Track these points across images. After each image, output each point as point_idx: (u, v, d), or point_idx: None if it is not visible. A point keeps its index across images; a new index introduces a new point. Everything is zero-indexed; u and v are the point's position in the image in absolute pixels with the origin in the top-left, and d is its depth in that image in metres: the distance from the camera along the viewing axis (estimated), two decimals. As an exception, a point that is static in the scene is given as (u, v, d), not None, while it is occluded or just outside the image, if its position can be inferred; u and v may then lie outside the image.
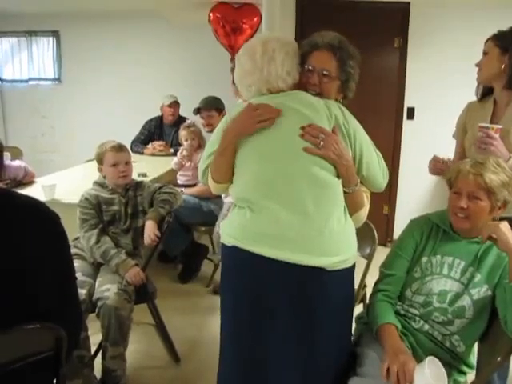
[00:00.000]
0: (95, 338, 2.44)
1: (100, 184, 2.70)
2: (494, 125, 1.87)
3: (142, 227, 2.63)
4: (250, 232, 1.58)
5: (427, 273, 1.84)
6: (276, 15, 3.74)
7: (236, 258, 1.61)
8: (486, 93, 2.15)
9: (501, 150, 1.86)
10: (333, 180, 1.62)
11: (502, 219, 1.69)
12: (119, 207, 2.64)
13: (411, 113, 4.61)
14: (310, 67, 1.71)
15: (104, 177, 2.68)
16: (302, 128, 1.58)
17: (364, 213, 1.77)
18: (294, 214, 1.55)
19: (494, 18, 3.73)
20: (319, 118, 1.61)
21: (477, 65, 2.02)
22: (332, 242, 1.58)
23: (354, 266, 1.69)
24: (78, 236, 2.62)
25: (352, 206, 1.70)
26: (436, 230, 1.86)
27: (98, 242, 2.52)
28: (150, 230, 2.53)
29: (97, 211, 2.60)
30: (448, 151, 2.39)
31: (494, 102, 2.08)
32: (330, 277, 1.57)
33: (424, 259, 1.85)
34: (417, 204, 4.49)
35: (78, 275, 2.41)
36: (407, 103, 4.58)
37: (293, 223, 1.55)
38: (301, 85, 1.71)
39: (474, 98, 2.30)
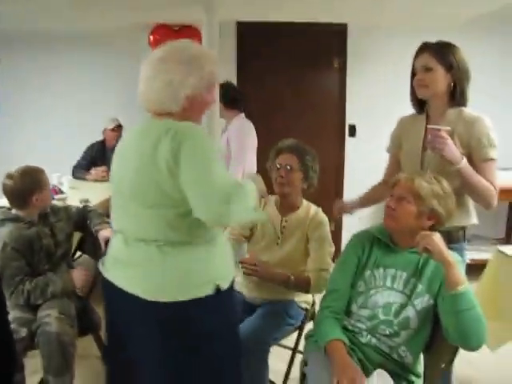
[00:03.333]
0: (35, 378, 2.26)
1: (14, 219, 2.41)
2: (442, 126, 1.90)
3: (82, 244, 2.56)
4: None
5: (371, 286, 1.86)
6: (216, 38, 3.75)
7: None
8: (415, 106, 2.17)
9: (453, 150, 1.88)
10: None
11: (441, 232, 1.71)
12: (47, 239, 2.46)
13: (353, 130, 4.69)
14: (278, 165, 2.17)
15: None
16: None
17: None
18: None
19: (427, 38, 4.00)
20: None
21: (419, 81, 2.00)
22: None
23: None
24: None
25: None
26: (377, 243, 1.89)
27: (32, 288, 2.33)
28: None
29: (27, 257, 2.35)
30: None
31: (426, 116, 2.10)
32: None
33: (367, 273, 1.87)
34: (362, 220, 4.46)
35: (16, 312, 2.29)
36: (348, 121, 4.66)
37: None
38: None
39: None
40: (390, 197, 1.84)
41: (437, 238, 1.64)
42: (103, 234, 2.47)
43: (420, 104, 2.08)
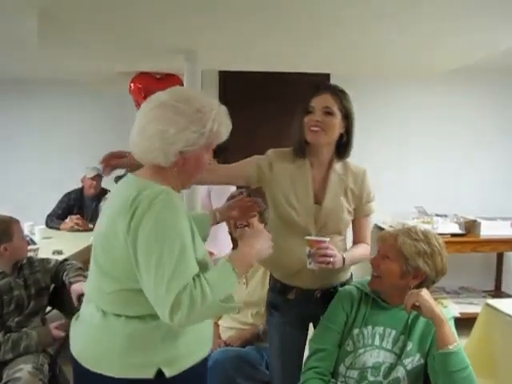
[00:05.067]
0: None
1: None
2: (322, 238, 1.78)
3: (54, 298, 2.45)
4: None
5: (359, 345, 1.78)
6: (197, 86, 3.75)
7: None
8: (298, 149, 1.90)
9: (341, 260, 1.81)
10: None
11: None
12: (19, 291, 2.40)
13: None
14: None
15: None
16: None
17: None
18: None
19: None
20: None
21: (318, 123, 1.78)
22: None
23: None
24: None
25: None
26: (365, 299, 1.82)
27: (4, 340, 2.26)
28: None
29: None
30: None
31: (310, 164, 1.89)
32: None
33: (355, 331, 1.79)
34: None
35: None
36: None
37: None
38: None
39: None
40: (377, 253, 1.80)
41: (425, 294, 1.60)
42: (75, 287, 2.40)
43: (303, 148, 1.86)
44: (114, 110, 5.10)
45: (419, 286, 1.71)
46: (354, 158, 2.01)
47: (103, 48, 3.64)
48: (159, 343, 1.35)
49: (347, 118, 1.82)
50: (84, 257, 3.28)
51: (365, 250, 1.93)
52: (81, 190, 4.58)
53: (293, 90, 4.22)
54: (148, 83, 4.42)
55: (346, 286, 1.91)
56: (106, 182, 4.45)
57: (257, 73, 4.44)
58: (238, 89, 4.48)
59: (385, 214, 4.17)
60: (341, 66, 4.27)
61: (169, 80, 4.48)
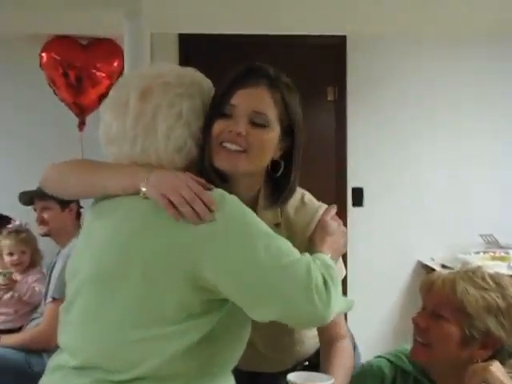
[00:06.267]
0: None
1: None
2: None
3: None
4: None
5: None
6: (146, 57, 3.07)
7: None
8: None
9: None
10: None
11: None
12: None
13: (358, 196, 3.87)
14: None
15: None
16: None
17: None
18: None
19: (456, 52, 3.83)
20: None
21: (237, 138, 1.33)
22: None
23: None
24: None
25: None
26: (403, 380, 1.58)
27: None
28: None
29: None
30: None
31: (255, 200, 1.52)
32: None
33: None
34: (371, 311, 3.72)
35: None
36: (352, 183, 3.88)
37: None
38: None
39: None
40: (421, 309, 1.55)
41: (497, 370, 1.38)
42: None
43: (213, 179, 1.39)
44: (14, 90, 4.08)
45: (489, 360, 1.47)
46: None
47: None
48: None
49: (291, 133, 1.36)
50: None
51: (349, 360, 1.52)
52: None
53: (291, 64, 3.53)
54: (69, 52, 3.68)
55: (373, 360, 1.65)
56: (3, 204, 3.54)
57: (236, 36, 3.77)
58: (205, 60, 3.71)
59: (434, 245, 3.70)
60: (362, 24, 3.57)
61: (101, 47, 3.76)
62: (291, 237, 1.36)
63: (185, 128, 1.24)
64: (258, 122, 1.28)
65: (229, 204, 1.12)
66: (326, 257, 1.22)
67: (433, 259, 3.67)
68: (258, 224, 1.14)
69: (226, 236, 1.08)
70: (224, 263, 1.08)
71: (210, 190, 1.15)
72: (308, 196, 1.49)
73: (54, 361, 1.27)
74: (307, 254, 1.15)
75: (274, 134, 1.31)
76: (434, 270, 3.41)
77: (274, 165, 1.36)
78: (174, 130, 1.24)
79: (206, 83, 1.31)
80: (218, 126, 1.28)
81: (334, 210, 1.44)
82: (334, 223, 1.41)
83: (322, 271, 1.12)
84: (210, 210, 1.07)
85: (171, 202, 1.08)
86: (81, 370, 1.18)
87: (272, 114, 1.30)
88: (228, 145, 1.28)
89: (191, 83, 1.26)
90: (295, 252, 1.13)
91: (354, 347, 1.70)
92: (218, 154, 1.29)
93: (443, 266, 3.37)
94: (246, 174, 1.34)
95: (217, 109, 1.29)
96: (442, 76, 3.88)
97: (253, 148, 1.28)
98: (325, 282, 1.11)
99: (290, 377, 1.30)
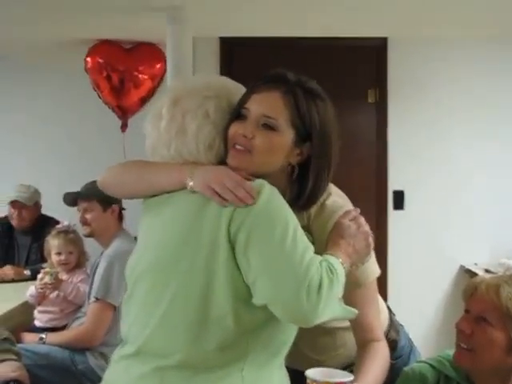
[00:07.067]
0: None
1: None
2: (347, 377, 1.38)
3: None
4: None
5: None
6: (187, 60, 3.11)
7: None
8: None
9: None
10: None
11: None
12: None
13: (399, 199, 3.87)
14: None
15: None
16: None
17: None
18: None
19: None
20: None
21: (244, 139, 1.36)
22: None
23: None
24: None
25: None
26: None
27: None
28: None
29: None
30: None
31: None
32: None
33: None
34: (412, 316, 3.61)
35: None
36: (392, 185, 3.87)
37: None
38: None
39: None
40: (464, 313, 1.52)
41: None
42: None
43: None
44: (61, 94, 4.18)
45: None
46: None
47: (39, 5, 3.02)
48: None
49: (309, 138, 1.34)
50: (16, 319, 2.95)
51: (384, 361, 1.48)
52: (9, 221, 3.60)
53: (331, 65, 3.84)
54: (113, 56, 3.75)
55: (415, 365, 1.62)
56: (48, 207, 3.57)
57: (277, 39, 3.75)
58: (249, 63, 3.78)
59: (477, 250, 3.71)
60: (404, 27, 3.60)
61: (144, 51, 3.84)
62: (312, 240, 1.39)
63: (212, 127, 1.30)
64: (266, 125, 1.31)
65: (268, 190, 1.17)
66: (336, 260, 1.23)
67: (476, 264, 3.64)
68: (292, 215, 1.20)
69: (264, 213, 1.15)
70: (257, 234, 1.15)
71: (249, 180, 1.21)
72: (333, 198, 1.47)
73: (116, 353, 1.32)
74: (318, 255, 1.18)
75: (283, 138, 1.33)
76: (476, 274, 3.38)
77: (293, 169, 1.39)
78: (203, 129, 1.30)
79: (234, 86, 1.36)
80: (233, 128, 1.33)
81: (354, 212, 1.43)
82: (352, 225, 1.40)
83: (322, 274, 1.14)
84: (251, 196, 1.15)
85: (216, 192, 1.16)
86: (140, 356, 1.24)
87: (283, 118, 1.32)
88: (238, 146, 1.33)
89: (218, 87, 1.33)
90: (311, 251, 1.17)
91: (411, 350, 1.72)
92: (230, 154, 1.35)
93: (486, 271, 3.37)
94: (256, 175, 1.35)
95: (235, 112, 1.34)
96: (482, 78, 3.81)
97: (256, 149, 1.31)
98: (320, 285, 1.13)
99: (309, 373, 1.31)
